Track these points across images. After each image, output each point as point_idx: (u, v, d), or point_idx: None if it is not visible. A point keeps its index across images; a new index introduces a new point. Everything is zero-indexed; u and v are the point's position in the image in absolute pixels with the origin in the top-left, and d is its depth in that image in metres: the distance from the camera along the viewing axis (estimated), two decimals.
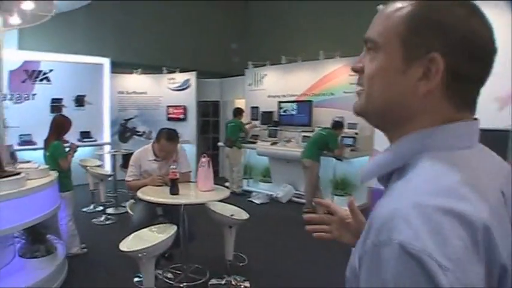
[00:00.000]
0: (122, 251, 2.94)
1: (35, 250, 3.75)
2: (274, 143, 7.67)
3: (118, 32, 8.91)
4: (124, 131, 9.37)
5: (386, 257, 0.53)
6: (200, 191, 3.57)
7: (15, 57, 7.70)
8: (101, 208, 6.26)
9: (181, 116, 9.39)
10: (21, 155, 7.29)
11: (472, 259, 0.52)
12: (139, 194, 3.43)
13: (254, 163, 8.31)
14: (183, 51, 9.65)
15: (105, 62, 8.77)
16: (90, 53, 8.44)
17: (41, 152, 4.61)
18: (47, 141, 4.46)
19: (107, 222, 5.93)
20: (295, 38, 9.34)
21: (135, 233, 3.25)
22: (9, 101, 7.68)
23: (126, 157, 6.59)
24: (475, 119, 0.69)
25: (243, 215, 3.88)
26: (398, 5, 0.69)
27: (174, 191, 3.37)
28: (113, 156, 6.94)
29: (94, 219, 5.99)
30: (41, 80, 8.06)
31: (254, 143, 7.99)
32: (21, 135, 7.64)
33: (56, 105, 8.12)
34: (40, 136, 7.89)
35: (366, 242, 0.58)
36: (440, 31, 0.63)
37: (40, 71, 8.04)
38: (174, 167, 3.45)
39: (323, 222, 1.14)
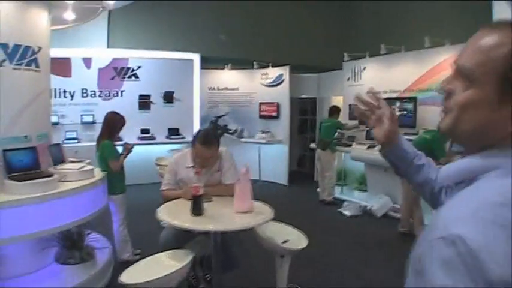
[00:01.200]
0: (120, 282, 2.48)
1: (69, 256, 3.54)
2: (371, 147, 6.66)
3: (208, 27, 8.70)
4: (215, 129, 9.15)
5: (446, 248, 0.63)
6: (236, 212, 2.90)
7: (104, 55, 8.01)
8: None
9: (274, 114, 8.85)
10: None
11: None
12: (158, 211, 2.93)
13: (350, 168, 7.48)
14: (275, 45, 9.12)
15: (195, 57, 8.67)
16: (179, 48, 8.40)
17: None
18: (98, 140, 4.25)
19: None
20: (398, 23, 8.21)
21: (149, 257, 2.78)
22: (98, 97, 8.01)
23: None
24: None
25: (300, 242, 3.19)
26: (498, 39, 0.73)
27: (196, 211, 2.78)
28: None
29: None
30: (129, 76, 8.26)
31: (349, 145, 7.14)
32: None
33: (144, 101, 8.24)
34: (127, 133, 8.08)
35: (432, 236, 0.67)
36: None
37: (128, 68, 8.24)
38: (195, 180, 2.91)
39: (370, 108, 1.25)
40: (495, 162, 0.73)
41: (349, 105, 7.84)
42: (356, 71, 7.77)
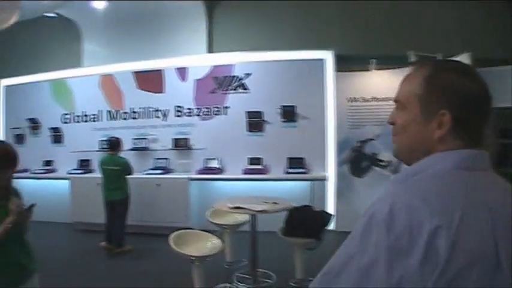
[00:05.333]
0: None
1: None
2: None
3: (342, 14, 6.72)
4: (359, 159, 6.87)
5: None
6: None
7: (202, 62, 6.99)
8: None
9: None
10: (202, 186, 6.55)
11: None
12: None
13: None
14: (444, 29, 6.51)
15: (327, 56, 6.73)
16: (302, 46, 6.67)
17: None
18: None
19: None
20: None
21: None
22: (195, 116, 7.01)
23: None
24: (481, 149, 1.02)
25: None
26: (415, 73, 1.07)
27: None
28: None
29: None
30: (235, 88, 6.91)
31: None
32: (207, 159, 6.64)
33: (254, 120, 6.70)
34: (233, 161, 6.57)
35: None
36: (446, 93, 1.00)
37: (234, 77, 6.92)
38: None
39: None
40: (427, 164, 1.02)
41: None
42: None
